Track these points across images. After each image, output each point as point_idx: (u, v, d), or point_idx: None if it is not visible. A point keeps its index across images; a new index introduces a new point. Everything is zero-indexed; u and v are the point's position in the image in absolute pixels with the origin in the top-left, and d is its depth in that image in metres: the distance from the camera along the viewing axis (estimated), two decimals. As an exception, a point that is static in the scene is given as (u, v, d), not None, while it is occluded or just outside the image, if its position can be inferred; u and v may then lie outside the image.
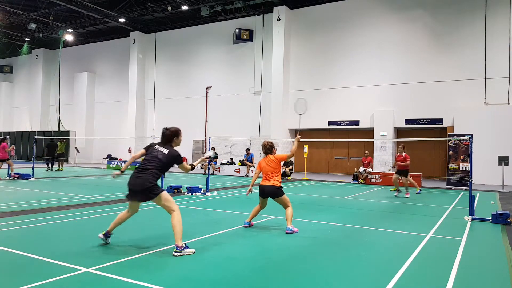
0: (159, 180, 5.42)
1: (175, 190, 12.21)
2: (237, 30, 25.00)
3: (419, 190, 13.34)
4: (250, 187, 7.01)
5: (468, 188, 9.03)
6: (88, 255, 4.91)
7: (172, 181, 15.54)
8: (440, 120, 19.46)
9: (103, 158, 30.31)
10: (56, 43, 32.76)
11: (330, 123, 22.39)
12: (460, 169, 15.87)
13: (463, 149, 15.78)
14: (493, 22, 18.52)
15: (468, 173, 9.70)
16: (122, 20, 27.01)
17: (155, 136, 22.15)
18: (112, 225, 5.44)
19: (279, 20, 23.21)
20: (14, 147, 17.58)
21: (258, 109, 24.88)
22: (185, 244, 5.04)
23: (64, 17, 27.74)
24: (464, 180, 15.53)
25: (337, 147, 23.28)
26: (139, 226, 6.63)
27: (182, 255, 4.94)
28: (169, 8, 24.75)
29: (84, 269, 4.33)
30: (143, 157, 5.41)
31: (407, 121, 20.30)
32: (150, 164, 5.21)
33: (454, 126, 18.71)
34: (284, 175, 18.21)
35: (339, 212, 9.11)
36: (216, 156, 22.13)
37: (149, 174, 5.13)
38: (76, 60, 33.86)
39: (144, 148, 5.46)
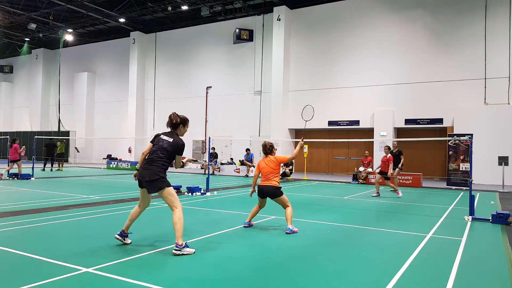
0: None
1: (175, 190, 12.18)
2: (237, 30, 25.01)
3: (398, 192, 12.69)
4: (252, 189, 7.08)
5: (468, 188, 9.03)
6: (88, 255, 4.91)
7: (172, 181, 15.50)
8: (440, 120, 19.46)
9: (103, 158, 30.32)
10: (56, 43, 32.77)
11: (330, 123, 22.39)
12: (460, 169, 15.87)
13: (463, 149, 15.78)
14: (493, 22, 18.52)
15: (468, 173, 9.70)
16: (122, 20, 27.02)
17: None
18: (126, 224, 5.46)
19: (279, 20, 23.21)
20: (24, 148, 17.87)
21: (258, 109, 24.88)
22: (185, 243, 5.04)
23: (64, 17, 27.75)
24: (464, 180, 15.53)
25: (337, 147, 23.28)
26: (139, 226, 6.62)
27: (182, 254, 4.94)
28: (169, 8, 24.75)
29: (84, 269, 4.33)
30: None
31: (407, 121, 20.30)
32: (157, 155, 5.27)
33: (454, 126, 18.71)
34: (284, 175, 18.22)
35: (339, 212, 9.11)
36: (216, 156, 22.14)
37: (157, 166, 5.19)
38: (76, 60, 33.87)
39: (151, 142, 5.50)
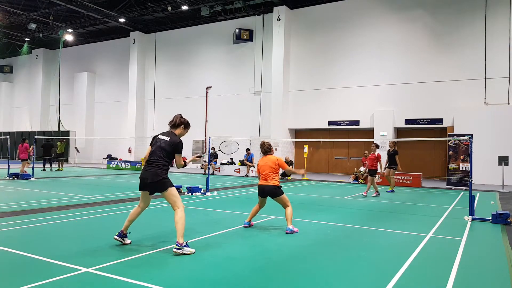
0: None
1: (175, 190, 12.18)
2: (237, 30, 25.01)
3: (375, 194, 12.54)
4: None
5: (468, 188, 9.03)
6: (88, 255, 4.91)
7: (172, 181, 15.51)
8: (440, 120, 19.46)
9: (103, 158, 30.32)
10: (56, 43, 32.77)
11: (330, 123, 22.39)
12: (460, 169, 15.87)
13: (463, 149, 15.78)
14: (493, 22, 18.52)
15: (468, 173, 9.70)
16: (122, 20, 27.02)
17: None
18: (125, 225, 5.45)
19: (279, 20, 23.21)
20: (33, 148, 18.24)
21: (258, 109, 24.88)
22: (186, 243, 5.04)
23: (64, 17, 27.74)
24: (464, 180, 15.53)
25: (337, 147, 23.28)
26: (139, 226, 6.62)
27: (182, 253, 4.94)
28: (169, 8, 24.75)
29: (84, 269, 4.33)
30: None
31: (407, 121, 20.30)
32: (156, 155, 5.27)
33: (454, 126, 18.71)
34: (284, 175, 18.21)
35: (339, 212, 9.11)
36: (216, 156, 22.13)
37: (157, 167, 5.20)
38: (76, 60, 33.86)
39: (150, 145, 5.50)
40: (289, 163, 18.97)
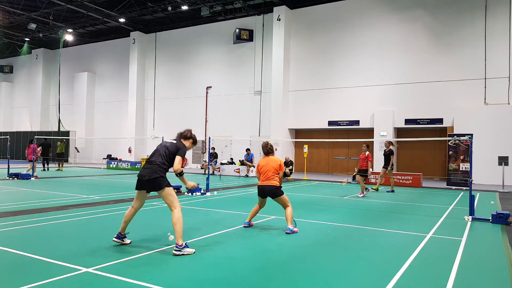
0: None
1: (175, 190, 12.19)
2: (237, 30, 25.01)
3: (362, 194, 12.46)
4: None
5: (468, 188, 9.03)
6: (88, 255, 4.91)
7: (172, 181, 15.52)
8: (440, 120, 19.46)
9: (103, 158, 30.32)
10: (56, 43, 32.76)
11: (330, 123, 22.39)
12: (460, 169, 15.87)
13: (463, 149, 15.78)
14: (493, 22, 18.52)
15: (468, 173, 9.70)
16: (122, 20, 27.02)
17: (155, 136, 22.11)
18: (121, 227, 5.44)
19: (279, 20, 23.21)
20: (41, 149, 18.53)
21: (258, 109, 24.88)
22: (185, 243, 5.04)
23: (64, 17, 27.74)
24: (464, 180, 15.53)
25: (337, 147, 23.28)
26: (139, 226, 6.63)
27: (182, 254, 4.94)
28: (169, 8, 24.75)
29: (84, 269, 4.33)
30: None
31: (407, 121, 20.30)
32: (158, 155, 5.32)
33: (454, 126, 18.71)
34: (284, 175, 18.17)
35: (339, 212, 9.11)
36: (216, 156, 22.13)
37: (156, 165, 5.22)
38: (76, 60, 33.86)
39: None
40: (289, 163, 18.96)
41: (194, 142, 5.62)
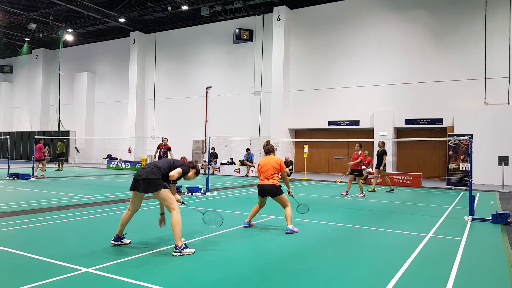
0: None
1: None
2: (237, 30, 25.01)
3: (362, 194, 12.44)
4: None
5: (468, 188, 9.03)
6: (88, 255, 4.91)
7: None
8: (440, 120, 19.46)
9: (103, 158, 30.31)
10: (56, 43, 32.76)
11: (330, 123, 22.39)
12: (460, 169, 15.87)
13: (463, 149, 15.78)
14: (493, 22, 18.52)
15: (468, 173, 9.70)
16: (122, 20, 27.02)
17: (155, 136, 22.00)
18: (118, 229, 5.43)
19: (279, 20, 23.21)
20: (48, 149, 18.66)
21: (258, 109, 24.88)
22: (185, 244, 5.04)
23: (64, 17, 27.74)
24: (464, 180, 15.53)
25: (337, 147, 23.28)
26: (139, 226, 6.63)
27: (182, 255, 4.94)
28: (169, 8, 24.74)
29: (84, 269, 4.33)
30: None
31: (407, 121, 20.30)
32: (158, 161, 5.39)
33: (454, 126, 18.71)
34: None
35: (339, 212, 9.11)
36: (216, 156, 22.14)
37: (156, 168, 5.24)
38: (76, 60, 33.86)
39: None
40: (289, 163, 18.96)
41: (197, 172, 5.66)
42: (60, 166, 22.18)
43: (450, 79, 19.33)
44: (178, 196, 5.45)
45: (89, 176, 18.28)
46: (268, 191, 6.75)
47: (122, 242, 5.44)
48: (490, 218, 7.91)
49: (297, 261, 4.94)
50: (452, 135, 16.92)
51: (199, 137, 27.04)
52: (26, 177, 15.79)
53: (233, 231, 6.61)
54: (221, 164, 22.30)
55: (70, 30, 29.99)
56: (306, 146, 20.60)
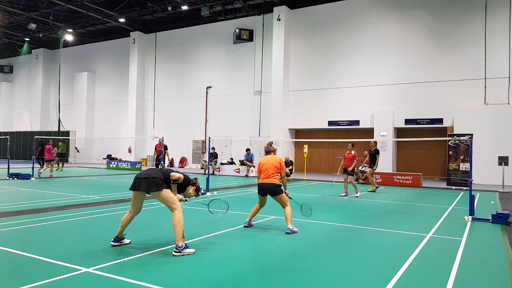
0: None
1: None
2: (237, 30, 25.00)
3: (358, 193, 12.43)
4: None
5: (468, 188, 9.03)
6: (88, 255, 4.91)
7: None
8: (440, 120, 19.46)
9: (103, 158, 30.32)
10: (56, 43, 32.76)
11: (330, 123, 22.39)
12: (460, 169, 15.87)
13: (463, 149, 15.78)
14: (493, 22, 18.52)
15: (468, 173, 9.70)
16: (122, 20, 27.02)
17: (155, 136, 21.97)
18: (118, 231, 5.44)
19: (279, 20, 23.21)
20: (56, 150, 18.87)
21: (258, 109, 24.88)
22: (185, 244, 5.04)
23: (64, 17, 27.74)
24: (464, 180, 15.52)
25: (337, 147, 23.27)
26: (139, 227, 6.63)
27: (182, 255, 4.94)
28: (169, 8, 24.74)
29: (84, 269, 4.33)
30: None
31: (407, 121, 20.30)
32: (157, 169, 5.39)
33: (454, 126, 18.71)
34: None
35: (339, 212, 9.11)
36: (216, 156, 22.14)
37: (158, 170, 5.29)
38: (76, 60, 33.86)
39: None
40: (289, 163, 18.96)
41: (198, 189, 5.62)
42: (61, 166, 22.17)
43: (450, 79, 19.33)
44: (179, 196, 5.46)
45: (89, 176, 18.28)
46: (268, 190, 6.76)
47: (122, 242, 5.44)
48: (490, 218, 7.92)
49: (297, 261, 4.94)
50: (452, 135, 16.92)
51: (199, 137, 27.04)
52: (26, 177, 15.79)
53: (233, 231, 6.61)
54: (221, 164, 22.30)
55: (70, 30, 29.99)
56: (306, 146, 20.60)
